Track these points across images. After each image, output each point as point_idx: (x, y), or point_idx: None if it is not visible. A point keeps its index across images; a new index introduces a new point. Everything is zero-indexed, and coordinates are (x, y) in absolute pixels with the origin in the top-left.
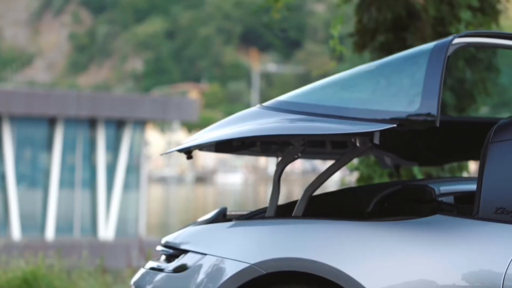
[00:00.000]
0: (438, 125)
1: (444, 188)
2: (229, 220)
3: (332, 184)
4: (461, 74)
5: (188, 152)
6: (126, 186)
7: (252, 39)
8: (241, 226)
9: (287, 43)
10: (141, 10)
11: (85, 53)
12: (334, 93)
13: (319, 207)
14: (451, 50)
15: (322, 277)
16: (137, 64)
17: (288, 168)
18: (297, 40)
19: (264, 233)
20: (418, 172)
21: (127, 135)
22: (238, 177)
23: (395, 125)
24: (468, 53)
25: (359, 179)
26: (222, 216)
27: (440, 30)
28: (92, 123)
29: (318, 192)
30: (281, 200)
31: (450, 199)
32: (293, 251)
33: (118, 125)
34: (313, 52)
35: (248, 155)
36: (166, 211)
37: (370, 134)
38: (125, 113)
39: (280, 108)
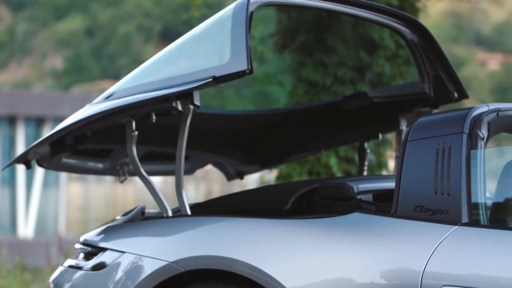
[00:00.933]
0: (251, 72)
1: (363, 186)
2: (148, 218)
3: (251, 182)
4: (381, 69)
5: (26, 162)
6: (46, 184)
7: (172, 37)
8: (159, 224)
9: None
10: (61, 7)
11: (4, 50)
12: (153, 70)
13: (238, 205)
14: (252, 7)
15: (241, 275)
16: (57, 62)
17: (208, 166)
18: None
19: (183, 231)
20: (337, 170)
21: (47, 132)
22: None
23: (210, 80)
24: (389, 51)
25: (278, 177)
26: (140, 214)
27: (360, 31)
28: (11, 120)
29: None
30: (201, 199)
31: (368, 197)
32: (212, 249)
33: (37, 123)
34: None
35: (93, 173)
36: (85, 209)
37: (190, 96)
38: (45, 111)
39: (106, 99)
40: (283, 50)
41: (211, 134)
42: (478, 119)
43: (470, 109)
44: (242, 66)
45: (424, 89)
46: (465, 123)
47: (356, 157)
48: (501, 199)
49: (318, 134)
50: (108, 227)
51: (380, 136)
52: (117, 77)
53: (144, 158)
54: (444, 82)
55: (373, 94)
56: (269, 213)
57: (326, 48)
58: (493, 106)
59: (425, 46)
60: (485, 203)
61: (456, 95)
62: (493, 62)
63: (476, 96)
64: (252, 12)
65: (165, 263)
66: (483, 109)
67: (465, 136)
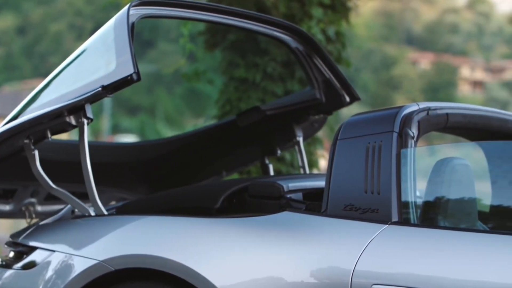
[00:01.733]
0: (139, 76)
1: (293, 185)
2: (78, 217)
3: None
4: None
5: None
6: None
7: None
8: (90, 223)
9: (140, 43)
10: None
11: None
12: (47, 90)
13: (169, 203)
14: (133, 19)
15: (171, 274)
16: None
17: None
18: (149, 39)
19: (113, 229)
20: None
21: None
22: None
23: (99, 89)
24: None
25: None
26: (70, 213)
27: None
28: None
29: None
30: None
31: (299, 196)
32: (142, 248)
33: None
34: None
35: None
36: None
37: (83, 109)
38: None
39: (5, 124)
40: (214, 49)
41: (110, 168)
42: (408, 118)
43: (400, 108)
44: (128, 70)
45: (315, 95)
46: (395, 122)
47: (287, 156)
48: (431, 198)
49: (218, 156)
50: (38, 226)
51: (279, 151)
52: (48, 75)
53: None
54: (334, 87)
55: (266, 107)
56: (200, 212)
57: (258, 47)
58: (423, 105)
59: (310, 53)
60: (415, 202)
61: (347, 98)
62: (425, 61)
63: (407, 95)
64: (133, 23)
65: (95, 262)
66: (413, 108)
67: (395, 135)
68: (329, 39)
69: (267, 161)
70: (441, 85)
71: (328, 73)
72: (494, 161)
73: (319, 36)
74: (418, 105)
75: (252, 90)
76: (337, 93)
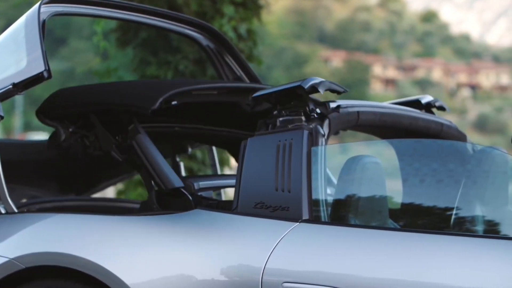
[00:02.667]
0: (49, 74)
1: (204, 183)
2: None
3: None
4: None
5: None
6: None
7: None
8: (1, 220)
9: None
10: None
11: None
12: None
13: (101, 96)
14: (44, 16)
15: (82, 272)
16: None
17: None
18: (61, 37)
19: (24, 227)
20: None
21: None
22: None
23: (10, 87)
24: None
25: None
26: None
27: None
28: None
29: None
30: None
31: (210, 194)
32: (52, 246)
33: None
34: (78, 48)
35: None
36: None
37: None
38: None
39: None
40: (126, 46)
41: (21, 165)
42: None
43: None
44: (39, 68)
45: None
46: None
47: (199, 153)
48: (341, 196)
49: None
50: None
51: (190, 149)
52: None
53: None
54: None
55: None
56: (114, 210)
57: (170, 45)
58: (333, 103)
59: (221, 51)
60: (325, 200)
61: None
62: (337, 59)
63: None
64: (44, 20)
65: (6, 259)
66: (324, 106)
67: (305, 132)
68: (240, 37)
69: (178, 159)
70: (353, 83)
71: (239, 71)
72: (405, 159)
73: (230, 34)
74: (329, 103)
75: None
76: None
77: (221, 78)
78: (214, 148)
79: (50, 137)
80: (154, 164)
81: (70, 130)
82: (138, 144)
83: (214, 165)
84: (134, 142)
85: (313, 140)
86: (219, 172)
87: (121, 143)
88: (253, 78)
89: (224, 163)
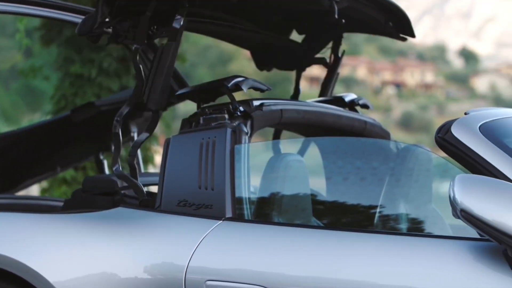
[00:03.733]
0: None
1: None
2: None
3: None
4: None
5: None
6: None
7: None
8: None
9: None
10: None
11: None
12: None
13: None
14: None
15: (5, 270)
16: None
17: None
18: None
19: None
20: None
21: None
22: None
23: None
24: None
25: None
26: None
27: None
28: None
29: None
30: None
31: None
32: None
33: None
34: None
35: None
36: None
37: None
38: None
39: None
40: (50, 44)
41: None
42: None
43: None
44: None
45: None
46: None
47: (123, 151)
48: (265, 194)
49: (53, 152)
50: None
51: (113, 147)
52: None
53: None
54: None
55: (100, 102)
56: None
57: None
58: (257, 101)
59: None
60: (249, 198)
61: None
62: None
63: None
64: None
65: None
66: (247, 104)
67: (229, 130)
68: None
69: (101, 157)
70: (277, 80)
71: None
72: (328, 157)
73: None
74: (252, 101)
75: (88, 85)
76: (172, 89)
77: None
78: (105, 162)
79: (83, 22)
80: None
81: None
82: (163, 52)
83: (137, 163)
84: (162, 48)
85: (236, 138)
86: (142, 170)
87: (153, 36)
88: (177, 76)
89: (148, 160)
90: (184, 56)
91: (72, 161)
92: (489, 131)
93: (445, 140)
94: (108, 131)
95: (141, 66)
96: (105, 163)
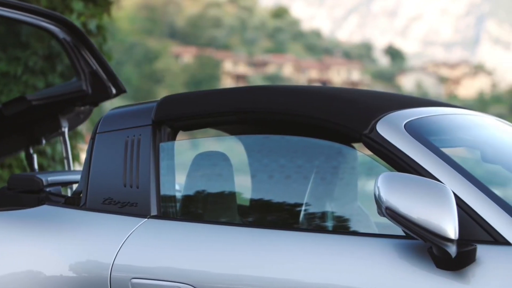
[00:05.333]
0: None
1: (53, 179)
2: None
3: None
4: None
5: None
6: None
7: None
8: None
9: None
10: None
11: None
12: None
13: None
14: None
15: None
16: None
17: None
18: None
19: None
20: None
21: None
22: None
23: None
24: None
25: None
26: None
27: None
28: None
29: None
30: None
31: (59, 190)
32: None
33: None
34: None
35: None
36: None
37: None
38: None
39: None
40: None
41: None
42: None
43: (159, 101)
44: None
45: (81, 87)
46: (154, 115)
47: (48, 149)
48: (190, 192)
49: None
50: None
51: (44, 141)
52: None
53: None
54: (101, 79)
55: (32, 97)
56: None
57: (20, 41)
58: None
59: (77, 44)
60: (174, 196)
61: (114, 90)
62: (187, 55)
63: (170, 88)
64: None
65: None
66: None
67: (153, 128)
68: (90, 32)
69: (31, 151)
70: (204, 78)
71: (95, 65)
72: (254, 155)
73: (77, 23)
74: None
75: (13, 83)
76: (104, 85)
77: (77, 71)
78: (67, 140)
79: None
80: None
81: None
82: None
83: (67, 158)
84: None
85: (162, 136)
86: (72, 167)
87: None
88: (109, 72)
89: (74, 158)
90: (110, 54)
91: (2, 154)
92: (414, 129)
93: (370, 138)
94: (39, 125)
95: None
96: (35, 157)
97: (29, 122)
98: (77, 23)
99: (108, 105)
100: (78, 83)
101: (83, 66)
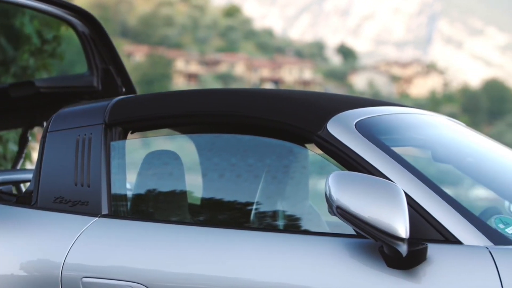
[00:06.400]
0: None
1: (4, 178)
2: None
3: None
4: (26, 63)
5: None
6: None
7: None
8: None
9: None
10: None
11: None
12: None
13: None
14: None
15: None
16: None
17: None
18: None
19: None
20: None
21: None
22: None
23: None
24: (34, 46)
25: None
26: None
27: (4, 21)
28: None
29: None
30: None
31: (9, 188)
32: None
33: None
34: None
35: None
36: None
37: None
38: None
39: None
40: None
41: None
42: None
43: (111, 100)
44: None
45: (92, 82)
46: (106, 114)
47: (0, 148)
48: (141, 191)
49: None
50: None
51: (45, 123)
52: None
53: None
54: (113, 77)
55: (41, 83)
56: None
57: None
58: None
59: (95, 39)
60: (125, 195)
61: (124, 89)
62: (139, 54)
63: None
64: None
65: None
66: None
67: (105, 127)
68: (45, 41)
69: (29, 135)
70: (156, 77)
71: (109, 62)
72: (205, 154)
73: (33, 34)
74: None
75: None
76: (115, 83)
77: (90, 66)
78: (30, 138)
79: None
80: None
81: None
82: None
83: (20, 158)
84: None
85: (113, 135)
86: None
87: None
88: (122, 72)
89: (26, 157)
90: (62, 54)
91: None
92: (365, 129)
93: (321, 137)
94: (43, 111)
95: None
96: (29, 139)
97: (33, 106)
98: (31, 25)
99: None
100: (89, 78)
101: (97, 62)
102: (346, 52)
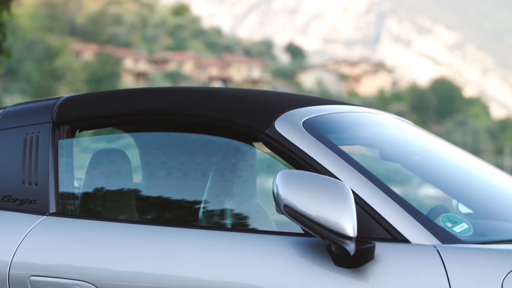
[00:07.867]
0: None
1: None
2: None
3: None
4: None
5: None
6: None
7: None
8: None
9: None
10: None
11: None
12: None
13: None
14: None
15: None
16: None
17: None
18: None
19: None
20: None
21: None
22: None
23: None
24: None
25: None
26: None
27: None
28: None
29: None
30: None
31: None
32: None
33: None
34: None
35: None
36: None
37: None
38: None
39: None
40: None
41: None
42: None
43: (58, 98)
44: None
45: None
46: (53, 113)
47: None
48: (89, 189)
49: None
50: None
51: None
52: None
53: None
54: None
55: None
56: None
57: None
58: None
59: None
60: (73, 193)
61: None
62: (88, 52)
63: (71, 86)
64: None
65: None
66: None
67: (52, 125)
68: None
69: None
70: (104, 76)
71: None
72: (152, 153)
73: None
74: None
75: None
76: None
77: None
78: None
79: None
80: None
81: None
82: None
83: None
84: None
85: (61, 133)
86: None
87: None
88: None
89: None
90: (10, 51)
91: None
92: (313, 127)
93: (269, 136)
94: None
95: None
96: None
97: None
98: None
99: (9, 102)
100: None
101: None
102: (294, 51)
